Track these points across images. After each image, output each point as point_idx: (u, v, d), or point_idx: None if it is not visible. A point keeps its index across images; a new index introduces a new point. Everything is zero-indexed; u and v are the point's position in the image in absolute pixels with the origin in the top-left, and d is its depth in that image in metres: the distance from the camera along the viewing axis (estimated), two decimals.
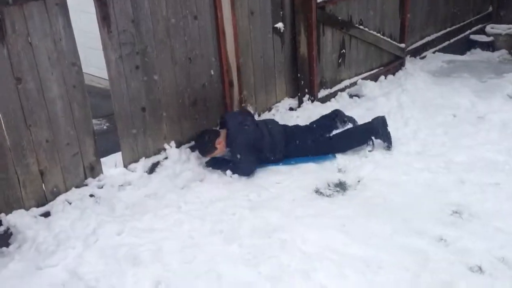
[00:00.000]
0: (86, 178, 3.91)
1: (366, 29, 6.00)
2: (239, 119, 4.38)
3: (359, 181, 4.02)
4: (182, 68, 4.33)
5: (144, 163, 4.24)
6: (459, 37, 8.18)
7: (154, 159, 4.31)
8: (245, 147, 4.23)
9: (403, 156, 4.33)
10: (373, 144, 4.46)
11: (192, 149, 4.48)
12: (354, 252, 3.05)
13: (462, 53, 8.12)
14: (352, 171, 4.18)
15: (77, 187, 3.84)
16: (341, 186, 3.98)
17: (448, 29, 7.90)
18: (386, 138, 4.45)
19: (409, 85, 6.08)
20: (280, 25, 5.10)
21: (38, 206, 3.64)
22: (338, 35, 5.70)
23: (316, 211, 3.60)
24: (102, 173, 4.01)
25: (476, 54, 8.06)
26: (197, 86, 4.51)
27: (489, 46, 8.29)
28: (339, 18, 5.60)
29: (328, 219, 3.46)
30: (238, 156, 4.22)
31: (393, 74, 6.58)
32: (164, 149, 4.39)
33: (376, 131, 4.47)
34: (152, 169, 4.26)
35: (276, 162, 4.37)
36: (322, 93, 5.66)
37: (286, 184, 4.05)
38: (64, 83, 3.59)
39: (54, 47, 3.47)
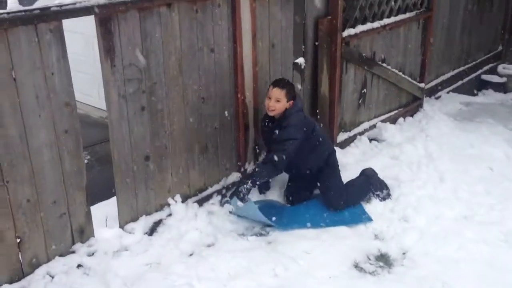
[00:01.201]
0: (73, 243, 3.15)
1: (389, 67, 5.44)
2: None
3: (404, 254, 3.37)
4: (193, 108, 3.64)
5: (145, 222, 3.51)
6: (471, 76, 7.75)
7: (155, 216, 3.59)
8: (297, 128, 3.72)
9: (450, 223, 3.70)
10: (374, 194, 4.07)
11: None
12: None
13: (474, 93, 7.69)
14: (392, 239, 3.53)
15: (62, 255, 3.08)
16: (384, 260, 3.32)
17: (462, 68, 7.46)
18: (384, 186, 4.10)
19: (432, 130, 5.53)
20: (301, 60, 4.48)
21: (11, 281, 2.86)
22: (361, 73, 5.11)
23: None
24: (93, 236, 3.26)
25: (490, 96, 7.60)
26: (209, 130, 3.82)
27: (501, 87, 7.87)
28: (364, 54, 5.02)
29: None
30: (285, 134, 3.68)
31: (412, 116, 6.03)
32: (168, 205, 3.67)
33: (373, 183, 4.09)
34: (153, 230, 3.53)
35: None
36: (341, 136, 5.04)
37: (317, 253, 3.37)
38: (54, 128, 2.85)
39: (45, 84, 2.74)
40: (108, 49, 2.96)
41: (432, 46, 6.16)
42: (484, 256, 3.31)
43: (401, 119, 5.82)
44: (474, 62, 7.76)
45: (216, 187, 4.01)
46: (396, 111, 5.80)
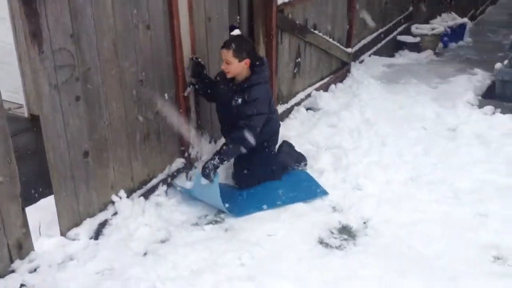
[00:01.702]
0: (12, 261, 2.74)
1: (320, 34, 5.33)
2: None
3: (365, 223, 3.35)
4: (132, 94, 3.28)
5: (89, 225, 3.15)
6: (388, 38, 7.90)
7: (100, 217, 3.23)
8: (264, 101, 3.58)
9: (401, 186, 3.73)
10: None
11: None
12: None
13: (392, 54, 7.87)
14: (351, 210, 3.49)
15: (0, 277, 2.66)
16: (347, 232, 3.27)
17: (380, 31, 7.57)
18: (301, 159, 4.03)
19: (364, 95, 5.56)
20: (237, 32, 4.20)
21: None
22: (295, 42, 4.96)
23: (335, 275, 2.83)
24: (33, 249, 2.86)
25: (406, 56, 7.80)
26: (150, 115, 3.48)
27: (416, 47, 8.12)
28: (297, 22, 4.85)
29: (354, 285, 2.70)
30: (253, 109, 3.50)
31: (341, 82, 6.03)
32: (112, 202, 3.32)
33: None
34: (98, 232, 3.19)
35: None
36: (280, 109, 4.88)
37: (280, 235, 3.23)
38: None
39: None
40: (34, 32, 2.51)
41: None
42: (439, 215, 3.38)
43: (332, 86, 5.79)
44: (390, 24, 7.90)
45: (161, 176, 3.71)
46: (327, 78, 5.76)
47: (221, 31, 4.01)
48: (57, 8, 2.59)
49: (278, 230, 3.27)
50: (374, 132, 4.54)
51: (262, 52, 4.46)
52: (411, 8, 8.82)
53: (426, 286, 2.68)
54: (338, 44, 5.78)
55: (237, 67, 3.54)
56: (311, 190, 3.73)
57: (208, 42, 3.87)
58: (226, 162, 3.56)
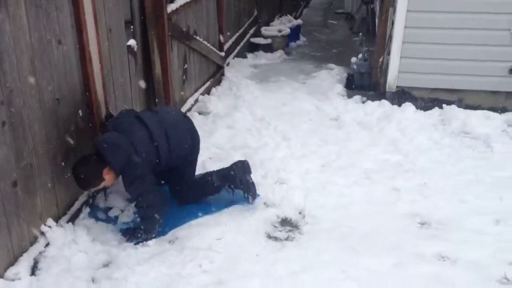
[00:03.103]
0: None
1: (201, 40, 5.45)
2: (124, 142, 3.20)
3: (300, 213, 3.57)
4: (51, 114, 3.04)
5: (26, 262, 2.85)
6: (244, 40, 8.32)
7: (33, 251, 2.95)
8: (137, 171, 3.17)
9: (319, 174, 4.06)
10: (233, 192, 3.68)
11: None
12: None
13: (249, 56, 8.31)
14: (283, 203, 3.69)
15: None
16: (289, 224, 3.47)
17: (237, 34, 7.94)
18: (247, 189, 3.60)
19: (246, 95, 5.83)
20: (132, 42, 4.12)
21: None
22: (182, 48, 5.00)
23: (299, 264, 2.99)
24: None
25: (263, 57, 8.30)
26: (68, 135, 3.25)
27: (269, 48, 8.69)
28: (184, 30, 4.91)
29: (320, 270, 2.93)
30: (135, 188, 3.18)
31: (219, 84, 6.23)
32: (43, 233, 3.04)
33: (233, 180, 3.62)
34: (34, 268, 2.90)
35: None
36: None
37: (230, 238, 3.28)
38: None
39: None
40: None
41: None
42: (361, 195, 3.77)
43: (213, 90, 5.96)
44: (244, 27, 8.33)
45: (82, 198, 3.49)
46: (208, 82, 5.89)
47: (121, 41, 3.89)
48: None
49: (224, 234, 3.32)
50: (273, 129, 4.83)
51: (157, 61, 4.41)
52: (256, 12, 9.40)
53: (379, 260, 3.00)
54: (214, 49, 5.96)
55: (112, 180, 3.27)
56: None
57: (111, 55, 3.74)
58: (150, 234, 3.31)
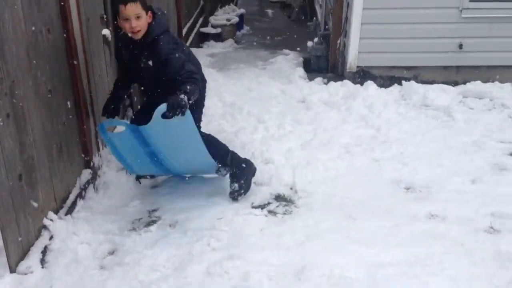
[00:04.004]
0: None
1: None
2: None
3: (292, 189, 3.71)
4: (45, 104, 2.99)
5: (35, 255, 2.81)
6: (195, 30, 8.34)
7: (39, 245, 2.90)
8: (179, 51, 3.21)
9: (300, 152, 4.21)
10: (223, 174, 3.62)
11: None
12: (399, 258, 2.86)
13: (199, 45, 8.35)
14: (272, 181, 3.79)
15: None
16: (284, 199, 3.60)
17: (188, 24, 7.95)
18: (247, 187, 3.57)
19: (212, 83, 5.77)
20: (106, 32, 4.07)
21: None
22: None
23: (303, 234, 3.11)
24: None
25: (214, 46, 8.39)
26: (60, 127, 3.21)
27: (219, 37, 8.76)
28: None
29: (325, 237, 3.08)
30: (183, 67, 3.11)
31: None
32: (45, 227, 2.99)
33: (242, 172, 3.57)
34: (42, 262, 2.86)
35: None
36: None
37: (230, 216, 3.35)
38: None
39: None
40: None
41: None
42: (346, 167, 3.97)
43: None
44: (193, 17, 8.34)
45: (75, 191, 3.44)
46: None
47: (98, 30, 3.85)
48: None
49: (223, 213, 3.39)
50: (247, 113, 4.94)
51: None
52: (202, 2, 9.42)
53: (376, 223, 3.20)
54: None
55: (146, 21, 3.13)
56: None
57: (90, 44, 3.68)
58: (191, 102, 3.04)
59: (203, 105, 3.71)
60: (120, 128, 3.41)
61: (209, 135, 3.68)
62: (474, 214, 3.26)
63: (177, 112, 2.93)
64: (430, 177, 3.75)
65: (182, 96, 2.96)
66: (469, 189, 3.57)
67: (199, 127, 3.52)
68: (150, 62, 3.20)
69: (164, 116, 2.99)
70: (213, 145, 3.53)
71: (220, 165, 3.56)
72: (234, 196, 3.55)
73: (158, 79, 3.22)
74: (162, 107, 2.99)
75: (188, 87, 3.04)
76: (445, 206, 3.35)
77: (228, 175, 3.64)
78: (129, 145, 3.31)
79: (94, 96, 3.69)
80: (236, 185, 3.56)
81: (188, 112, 3.00)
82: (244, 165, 3.61)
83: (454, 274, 2.70)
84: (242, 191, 3.56)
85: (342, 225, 3.21)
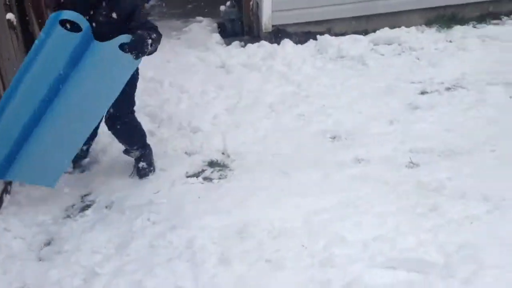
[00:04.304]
0: None
1: None
2: None
3: (223, 153, 3.78)
4: None
5: None
6: None
7: None
8: None
9: (229, 116, 4.26)
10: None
11: None
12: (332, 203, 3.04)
13: None
14: (203, 148, 3.84)
15: None
16: (217, 165, 3.66)
17: None
18: (148, 170, 3.56)
19: None
20: (10, 16, 3.84)
21: None
22: None
23: (242, 196, 3.20)
24: None
25: None
26: None
27: None
28: None
29: (262, 194, 3.20)
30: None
31: None
32: None
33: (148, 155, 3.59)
34: None
35: None
36: None
37: (166, 189, 3.39)
38: None
39: None
40: None
41: None
42: (273, 126, 4.07)
43: None
44: None
45: (0, 186, 3.30)
46: None
47: (1, 15, 3.62)
48: None
49: (159, 187, 3.43)
50: (168, 85, 4.87)
51: (36, 31, 4.17)
52: None
53: (308, 174, 3.35)
54: None
55: None
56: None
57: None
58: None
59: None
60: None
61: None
62: (395, 153, 3.51)
63: (137, 50, 2.86)
64: (353, 124, 3.94)
65: (148, 39, 2.89)
66: (388, 130, 3.81)
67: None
68: (114, 15, 3.02)
69: (121, 47, 2.87)
70: (138, 130, 3.55)
71: (135, 147, 3.52)
72: (145, 172, 3.55)
73: (119, 33, 2.97)
74: (124, 37, 2.86)
75: (154, 35, 2.99)
76: (369, 149, 3.57)
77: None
78: (41, 68, 2.89)
79: (5, 81, 3.51)
80: (145, 164, 3.55)
81: (140, 59, 2.94)
82: (149, 146, 3.62)
83: (381, 210, 2.92)
84: (152, 168, 3.58)
85: (276, 181, 3.33)
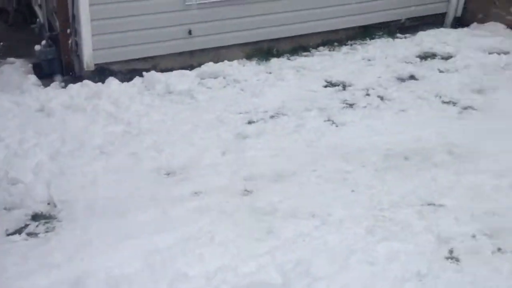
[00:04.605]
0: None
1: None
2: None
3: (49, 204, 3.48)
4: None
5: None
6: None
7: None
8: None
9: (53, 162, 3.95)
10: None
11: None
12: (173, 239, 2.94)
13: None
14: (25, 201, 3.49)
15: None
16: (42, 217, 3.36)
17: None
18: None
19: None
20: None
21: None
22: None
23: (75, 249, 2.98)
24: None
25: None
26: None
27: None
28: None
29: (102, 240, 2.99)
30: None
31: None
32: None
33: None
34: None
35: None
36: None
37: None
38: None
39: None
40: None
41: None
42: (103, 168, 3.87)
43: None
44: None
45: None
46: None
47: None
48: None
49: None
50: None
51: None
52: None
53: (146, 214, 3.26)
54: None
55: None
56: None
57: None
58: None
59: None
60: None
61: None
62: (230, 182, 3.59)
63: None
64: (187, 158, 3.95)
65: None
66: (221, 161, 3.90)
67: None
68: None
69: None
70: None
71: None
72: None
73: None
74: None
75: None
76: (205, 181, 3.60)
77: None
78: None
79: None
80: None
81: None
82: None
83: (222, 239, 2.95)
84: None
85: (112, 225, 3.17)
